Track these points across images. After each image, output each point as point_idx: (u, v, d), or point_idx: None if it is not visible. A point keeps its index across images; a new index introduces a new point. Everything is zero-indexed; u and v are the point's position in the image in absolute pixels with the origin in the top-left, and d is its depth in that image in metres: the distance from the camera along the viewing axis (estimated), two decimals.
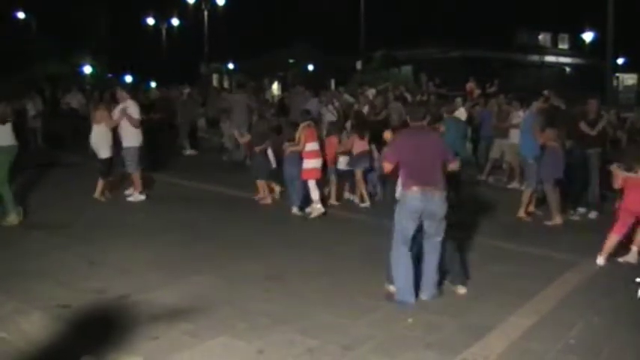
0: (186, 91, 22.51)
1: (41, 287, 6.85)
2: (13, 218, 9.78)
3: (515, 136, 13.25)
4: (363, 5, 38.84)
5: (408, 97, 18.82)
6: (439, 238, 6.77)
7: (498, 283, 7.33)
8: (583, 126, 11.40)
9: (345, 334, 5.80)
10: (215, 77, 57.90)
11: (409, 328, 6.00)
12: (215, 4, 48.58)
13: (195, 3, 49.77)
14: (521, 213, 11.09)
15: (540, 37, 56.35)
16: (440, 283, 6.98)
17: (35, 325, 5.91)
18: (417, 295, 6.73)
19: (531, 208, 11.29)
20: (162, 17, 56.23)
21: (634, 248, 8.49)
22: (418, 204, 6.56)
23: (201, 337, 5.68)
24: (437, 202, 6.58)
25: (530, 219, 11.02)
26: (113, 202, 11.67)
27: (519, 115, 13.61)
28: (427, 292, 6.80)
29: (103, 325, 6.01)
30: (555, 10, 47.87)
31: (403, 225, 6.67)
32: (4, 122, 9.81)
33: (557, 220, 10.67)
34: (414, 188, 6.57)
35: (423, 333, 5.87)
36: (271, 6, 56.01)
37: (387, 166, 6.86)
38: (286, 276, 7.50)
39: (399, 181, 6.75)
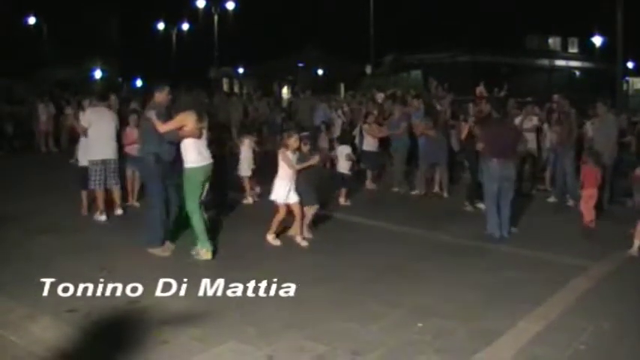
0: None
1: (51, 292, 6.87)
2: (203, 252, 8.35)
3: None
4: (373, 10, 38.87)
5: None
6: (511, 195, 9.73)
7: (508, 288, 7.31)
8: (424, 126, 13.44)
9: (355, 340, 5.80)
10: (225, 81, 58.07)
11: (419, 334, 5.99)
12: (225, 8, 48.75)
13: (205, 7, 49.95)
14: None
15: (550, 41, 56.23)
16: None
17: (46, 330, 5.95)
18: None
19: (436, 189, 13.54)
20: (173, 22, 56.45)
21: (637, 242, 8.90)
22: (498, 169, 9.56)
23: (210, 342, 5.70)
24: (510, 170, 9.69)
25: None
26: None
27: (531, 119, 13.86)
28: (505, 231, 9.64)
29: (113, 330, 6.05)
30: (565, 14, 47.78)
31: (488, 186, 9.76)
32: (199, 136, 8.33)
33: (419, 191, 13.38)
34: (495, 160, 9.56)
35: (432, 338, 5.86)
36: (281, 11, 56.12)
37: (480, 145, 10.06)
38: (295, 282, 7.47)
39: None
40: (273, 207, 9.24)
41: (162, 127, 8.19)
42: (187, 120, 8.17)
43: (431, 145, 13.27)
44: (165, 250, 8.48)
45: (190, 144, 8.23)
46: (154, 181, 8.53)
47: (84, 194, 10.84)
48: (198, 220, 8.31)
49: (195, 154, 8.24)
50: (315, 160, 9.49)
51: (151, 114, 8.33)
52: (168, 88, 8.75)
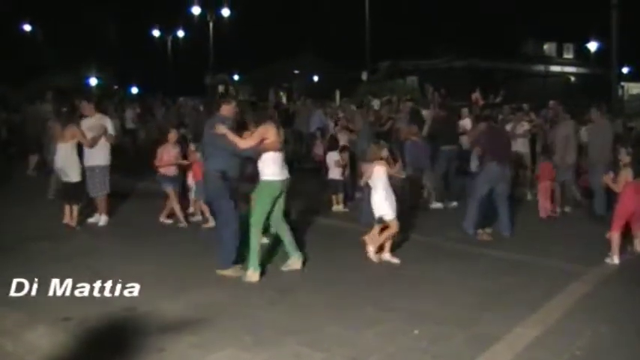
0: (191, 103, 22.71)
1: (47, 299, 6.84)
2: (250, 273, 7.72)
3: (519, 144, 13.52)
4: (369, 16, 38.91)
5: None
6: (507, 194, 10.24)
7: (505, 293, 7.31)
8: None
9: (352, 346, 5.79)
10: (221, 88, 58.08)
11: (416, 339, 5.98)
12: (220, 15, 48.78)
13: (200, 14, 49.98)
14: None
15: (545, 46, 56.46)
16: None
17: (41, 338, 5.93)
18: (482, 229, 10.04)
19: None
20: (168, 29, 56.43)
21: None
22: (497, 171, 10.04)
23: (207, 349, 5.68)
24: (507, 172, 10.25)
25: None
26: (117, 214, 11.54)
27: (523, 125, 13.94)
28: (506, 231, 10.10)
29: (109, 337, 6.02)
30: (560, 20, 47.93)
31: (481, 187, 10.15)
32: (280, 149, 7.88)
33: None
34: (494, 162, 10.01)
35: (429, 344, 5.85)
36: (277, 17, 56.28)
37: (479, 150, 10.72)
38: (294, 287, 7.49)
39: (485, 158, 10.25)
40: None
41: (244, 144, 7.69)
42: (268, 133, 7.70)
43: (415, 150, 12.97)
44: (237, 271, 7.86)
45: (270, 157, 7.74)
46: (223, 197, 7.90)
47: (75, 209, 10.47)
48: (255, 236, 7.79)
49: (275, 167, 7.76)
50: (396, 169, 9.16)
51: (223, 128, 7.72)
52: (235, 102, 8.35)
